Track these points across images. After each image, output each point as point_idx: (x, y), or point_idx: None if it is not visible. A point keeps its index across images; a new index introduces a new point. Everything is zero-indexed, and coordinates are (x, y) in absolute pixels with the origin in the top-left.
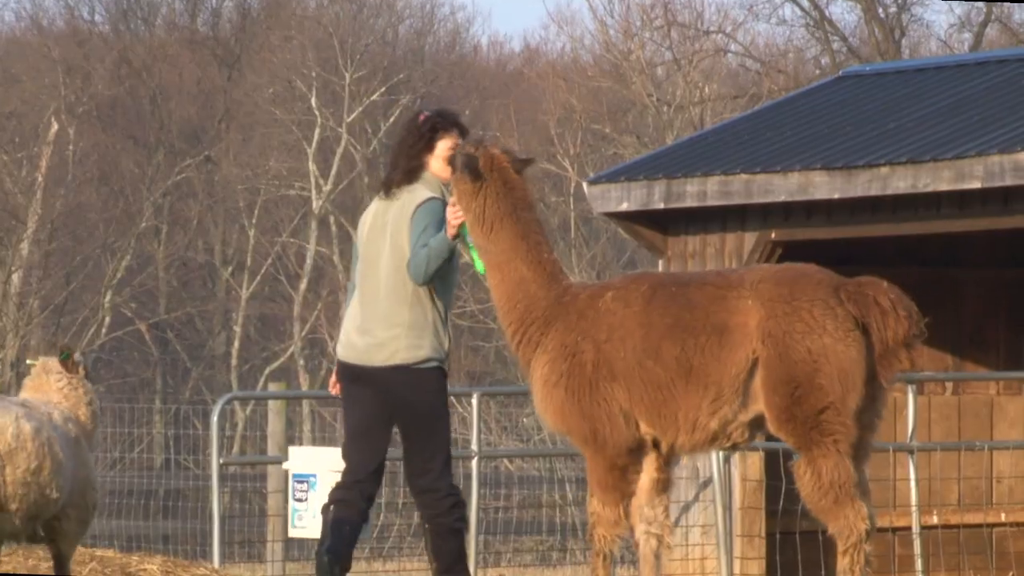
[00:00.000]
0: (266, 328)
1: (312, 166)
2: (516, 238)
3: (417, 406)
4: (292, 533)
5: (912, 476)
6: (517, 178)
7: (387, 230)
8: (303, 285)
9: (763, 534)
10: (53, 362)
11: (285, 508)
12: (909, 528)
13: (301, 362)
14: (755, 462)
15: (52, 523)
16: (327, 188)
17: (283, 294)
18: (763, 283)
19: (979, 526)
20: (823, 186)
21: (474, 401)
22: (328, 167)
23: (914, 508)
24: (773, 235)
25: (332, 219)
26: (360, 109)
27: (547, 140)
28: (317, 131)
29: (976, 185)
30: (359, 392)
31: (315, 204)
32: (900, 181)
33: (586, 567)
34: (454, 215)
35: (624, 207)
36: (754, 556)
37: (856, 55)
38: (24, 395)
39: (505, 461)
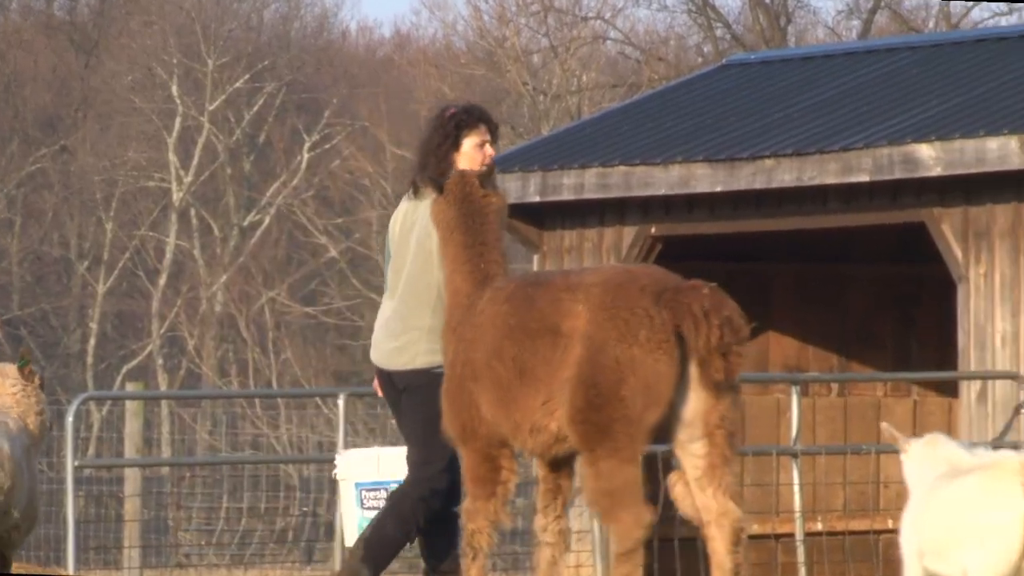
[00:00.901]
0: (123, 325)
1: (172, 157)
2: (459, 248)
3: (428, 410)
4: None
5: (796, 481)
6: (474, 190)
7: (414, 231)
8: (162, 281)
9: None
10: (11, 368)
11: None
12: (792, 535)
13: (160, 361)
14: None
15: (3, 536)
16: (188, 180)
17: (141, 290)
18: (594, 287)
19: (865, 533)
20: (705, 179)
21: (340, 402)
22: (189, 158)
23: (798, 514)
24: (653, 230)
25: (193, 212)
26: (223, 97)
27: (418, 130)
28: (178, 120)
29: (864, 178)
30: (394, 396)
31: (175, 196)
32: (785, 174)
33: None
34: None
35: None
36: None
37: (740, 43)
38: None
39: None
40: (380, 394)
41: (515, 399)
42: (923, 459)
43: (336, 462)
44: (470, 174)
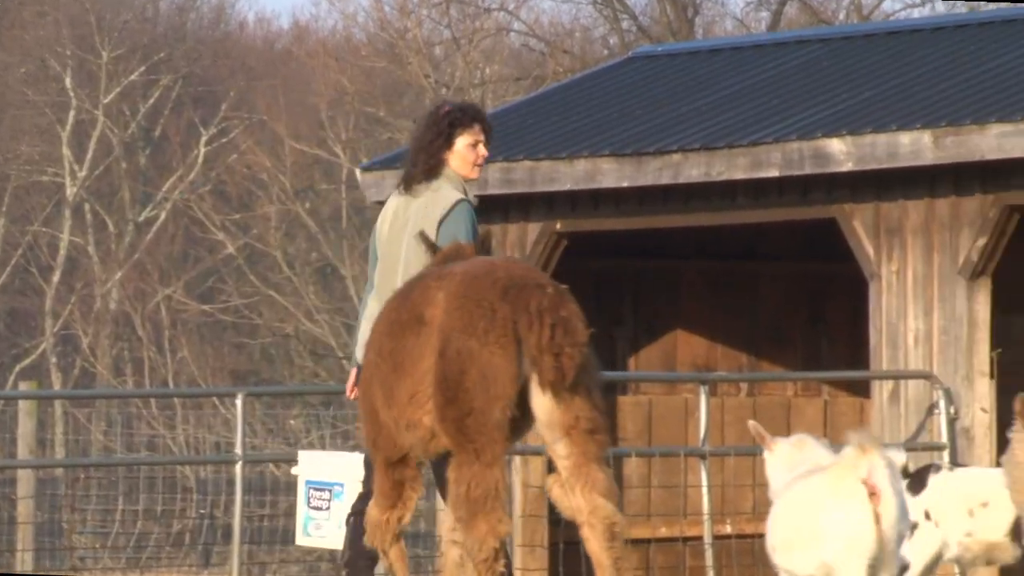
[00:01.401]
0: (16, 323)
1: (66, 150)
2: None
3: None
4: (302, 542)
5: (704, 482)
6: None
7: (407, 229)
8: (56, 278)
9: (546, 544)
10: None
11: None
12: (700, 538)
13: (53, 360)
14: (537, 467)
15: None
16: (82, 174)
17: (34, 287)
18: (455, 276)
19: (755, 536)
20: (611, 174)
21: (238, 402)
22: (83, 152)
23: (706, 516)
24: (558, 226)
25: (87, 207)
26: (118, 90)
27: (317, 124)
28: (72, 113)
29: (773, 173)
30: None
31: (69, 191)
32: (693, 169)
33: None
34: None
35: None
36: (536, 568)
37: (647, 35)
38: None
39: (271, 466)
40: (352, 397)
41: (392, 395)
42: (787, 459)
43: (298, 458)
44: (468, 247)
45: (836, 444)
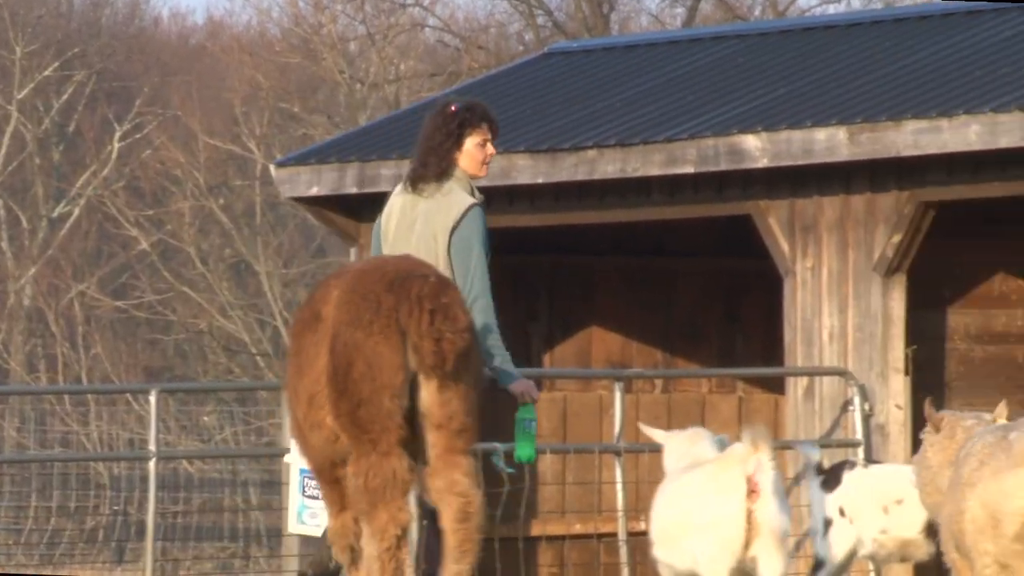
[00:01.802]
0: None
1: None
2: None
3: None
4: (296, 530)
5: (619, 479)
6: None
7: (414, 230)
8: None
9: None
10: None
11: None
12: (615, 534)
13: None
14: None
15: None
16: None
17: None
18: (349, 272)
19: None
20: (526, 170)
21: (152, 398)
22: None
23: (620, 513)
24: None
25: (0, 203)
26: (32, 85)
27: (232, 119)
28: None
29: (689, 169)
30: None
31: None
32: (608, 165)
33: (270, 575)
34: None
35: (314, 191)
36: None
37: (562, 31)
38: None
39: (185, 462)
40: None
41: (297, 396)
42: (678, 454)
43: (292, 447)
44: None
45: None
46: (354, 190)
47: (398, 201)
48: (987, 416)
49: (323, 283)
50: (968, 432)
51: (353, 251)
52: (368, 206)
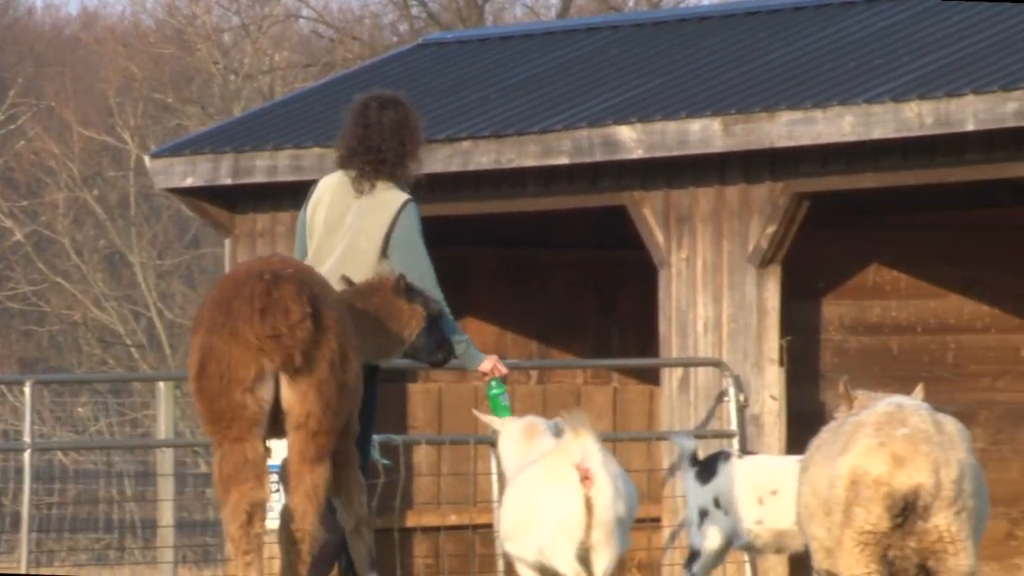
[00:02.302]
0: None
1: None
2: None
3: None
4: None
5: (494, 470)
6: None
7: (346, 223)
8: None
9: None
10: None
11: None
12: (490, 525)
13: None
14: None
15: None
16: None
17: None
18: (222, 276)
19: None
20: None
21: (27, 390)
22: None
23: (496, 504)
24: None
25: None
26: None
27: (106, 110)
28: None
29: (564, 161)
30: None
31: None
32: (483, 156)
33: (145, 567)
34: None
35: (189, 182)
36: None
37: (437, 22)
38: None
39: (60, 454)
40: None
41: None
42: (516, 440)
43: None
44: (387, 280)
45: (624, 432)
46: (229, 181)
47: (334, 183)
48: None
49: (214, 284)
50: None
51: (228, 242)
52: (243, 197)
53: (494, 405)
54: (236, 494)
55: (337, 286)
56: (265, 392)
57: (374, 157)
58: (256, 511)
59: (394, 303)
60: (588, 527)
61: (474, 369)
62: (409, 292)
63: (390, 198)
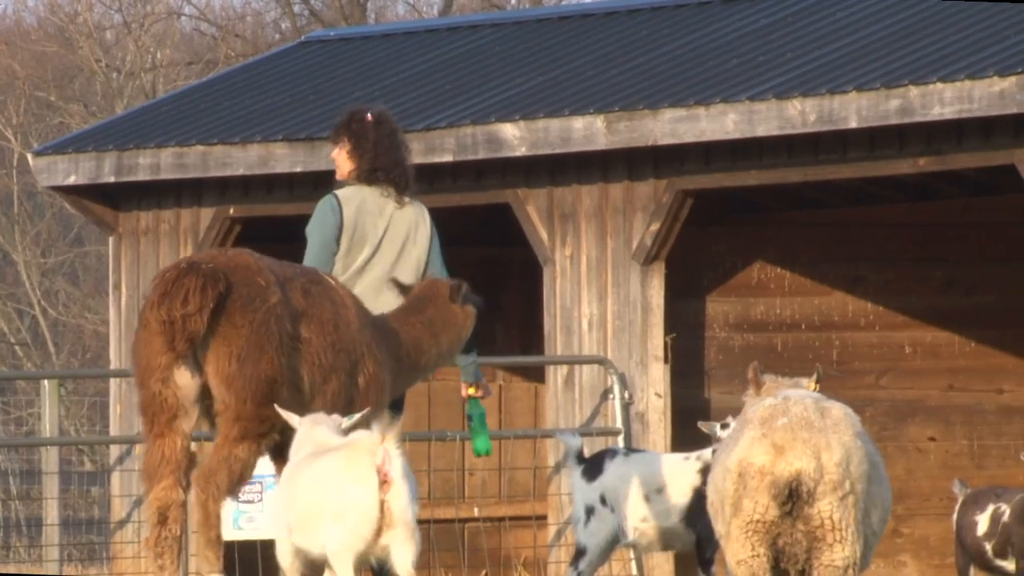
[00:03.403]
0: None
1: None
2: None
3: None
4: (233, 536)
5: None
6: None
7: (389, 233)
8: None
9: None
10: None
11: None
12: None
13: None
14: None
15: None
16: None
17: None
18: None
19: (451, 521)
20: (285, 159)
21: None
22: None
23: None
24: (232, 211)
25: None
26: None
27: None
28: None
29: (447, 158)
30: None
31: None
32: None
33: (30, 565)
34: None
35: (72, 180)
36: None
37: (319, 19)
38: None
39: None
40: None
41: None
42: (302, 438)
43: None
44: (442, 285)
45: (509, 429)
46: (112, 179)
47: (367, 196)
48: (804, 382)
49: None
50: None
51: (112, 240)
52: (126, 195)
53: (479, 425)
54: (151, 494)
55: (387, 291)
56: (181, 380)
57: (401, 171)
58: (171, 511)
59: (449, 309)
60: (379, 530)
61: (468, 382)
62: (464, 296)
63: (422, 210)
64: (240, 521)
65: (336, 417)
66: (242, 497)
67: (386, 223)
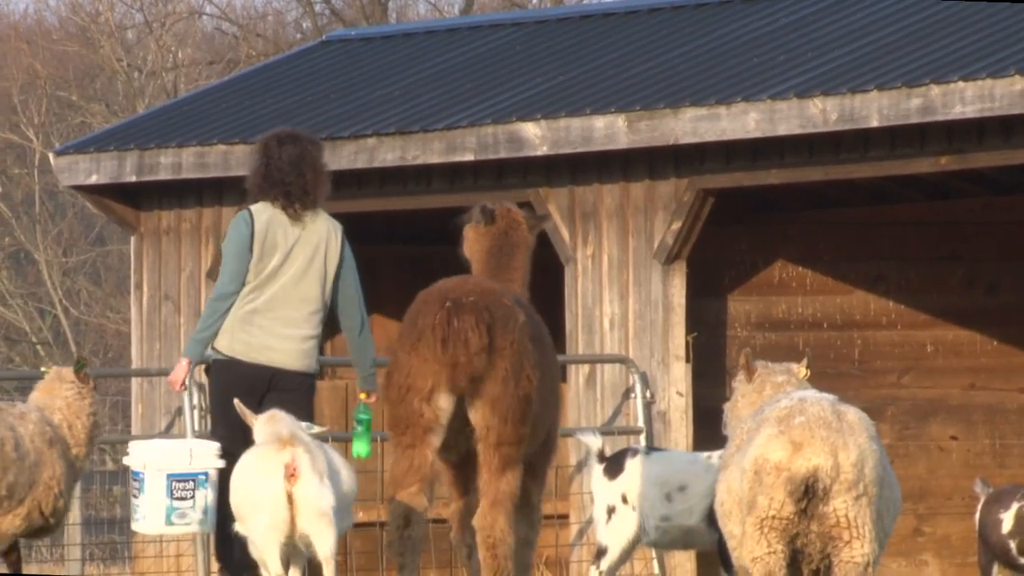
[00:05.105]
0: None
1: None
2: (478, 273)
3: (310, 408)
4: (165, 530)
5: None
6: (523, 233)
7: (300, 249)
8: None
9: None
10: (68, 371)
11: None
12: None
13: None
14: None
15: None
16: None
17: None
18: (418, 295)
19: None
20: None
21: None
22: None
23: None
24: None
25: None
26: None
27: (10, 108)
28: None
29: (469, 157)
30: (255, 392)
31: None
32: (388, 153)
33: (52, 564)
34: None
35: (93, 180)
36: None
37: (340, 19)
38: (34, 396)
39: None
40: (181, 386)
41: None
42: (256, 436)
43: (130, 449)
44: (517, 211)
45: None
46: (133, 178)
47: (268, 215)
48: (794, 367)
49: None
50: (777, 388)
51: (133, 239)
52: (148, 194)
53: (365, 429)
54: (397, 499)
55: (296, 299)
56: (442, 402)
57: (283, 190)
58: (413, 516)
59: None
60: (293, 520)
61: (366, 389)
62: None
63: (332, 226)
64: (172, 517)
65: (290, 418)
66: (175, 494)
67: (297, 234)
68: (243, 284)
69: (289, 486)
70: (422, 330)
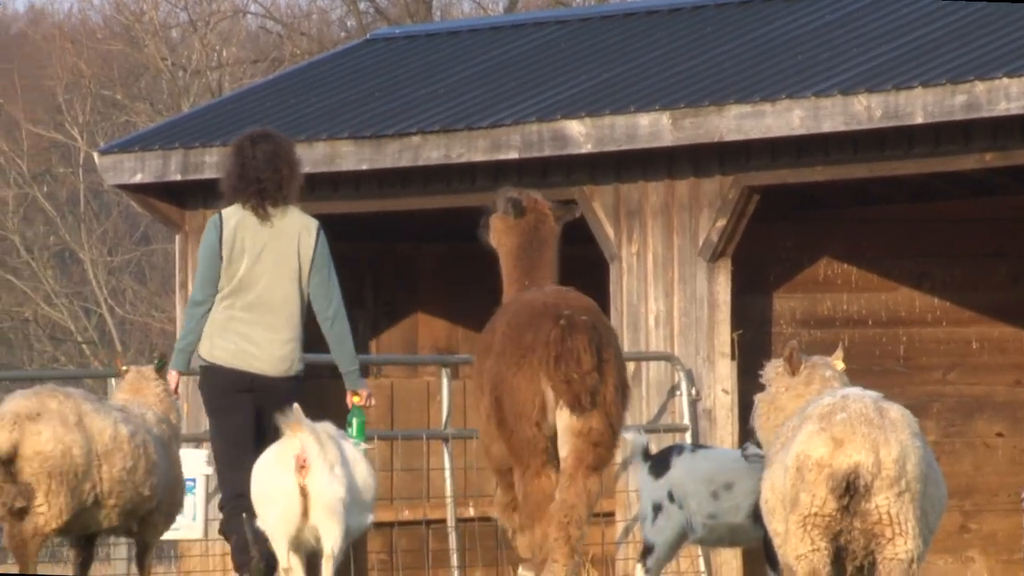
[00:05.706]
0: None
1: None
2: (509, 268)
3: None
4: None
5: (447, 465)
6: (551, 225)
7: (269, 252)
8: None
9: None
10: (149, 370)
11: None
12: (444, 520)
13: None
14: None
15: (145, 518)
16: None
17: None
18: (511, 307)
19: None
20: (350, 156)
21: None
22: None
23: (449, 499)
24: None
25: None
26: None
27: (54, 107)
28: None
29: (513, 155)
30: (240, 397)
31: None
32: (432, 151)
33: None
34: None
35: (138, 179)
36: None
37: (384, 16)
38: (120, 397)
39: None
40: (175, 391)
41: (479, 410)
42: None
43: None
44: (543, 202)
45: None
46: (178, 177)
47: (239, 218)
48: (828, 359)
49: (501, 309)
50: (825, 384)
51: (178, 238)
52: (193, 193)
53: (359, 431)
54: (544, 529)
55: (286, 307)
56: (549, 422)
57: (258, 188)
58: (572, 532)
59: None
60: (305, 511)
61: (353, 389)
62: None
63: (305, 222)
64: None
65: (332, 427)
66: None
67: (266, 235)
68: (216, 289)
69: (301, 478)
70: (532, 346)
